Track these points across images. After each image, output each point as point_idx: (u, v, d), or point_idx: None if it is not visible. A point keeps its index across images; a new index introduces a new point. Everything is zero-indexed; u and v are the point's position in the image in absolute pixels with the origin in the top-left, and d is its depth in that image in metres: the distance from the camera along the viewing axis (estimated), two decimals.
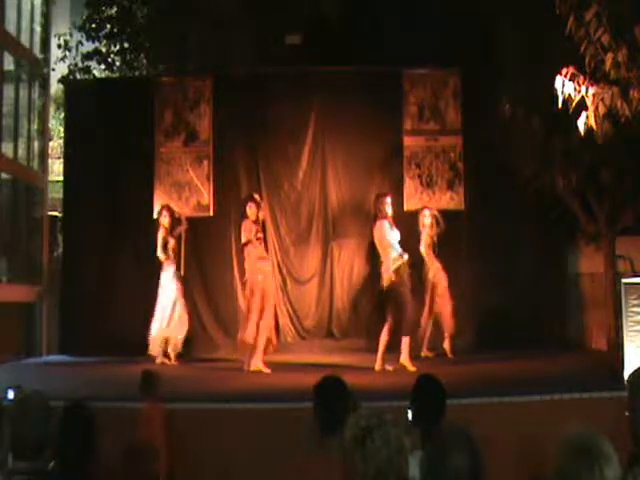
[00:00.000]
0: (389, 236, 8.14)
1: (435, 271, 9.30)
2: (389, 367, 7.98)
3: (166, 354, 9.17)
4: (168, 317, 9.17)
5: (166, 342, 9.20)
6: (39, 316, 11.77)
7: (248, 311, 8.33)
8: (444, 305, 9.25)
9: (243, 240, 8.46)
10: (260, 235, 8.54)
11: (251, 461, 5.25)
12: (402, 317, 7.97)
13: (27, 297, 11.59)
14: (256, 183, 10.59)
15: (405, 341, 7.98)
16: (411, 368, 7.82)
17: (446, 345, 9.24)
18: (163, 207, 9.68)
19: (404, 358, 7.95)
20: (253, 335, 8.20)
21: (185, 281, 9.78)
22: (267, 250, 9.55)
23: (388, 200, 8.34)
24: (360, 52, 10.79)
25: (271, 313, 8.48)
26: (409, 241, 9.16)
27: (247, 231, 8.41)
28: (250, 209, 8.47)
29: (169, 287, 9.25)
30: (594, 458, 2.18)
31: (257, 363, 8.17)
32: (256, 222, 8.48)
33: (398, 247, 8.16)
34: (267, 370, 8.13)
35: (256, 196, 8.87)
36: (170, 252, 9.33)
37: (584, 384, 6.31)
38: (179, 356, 9.26)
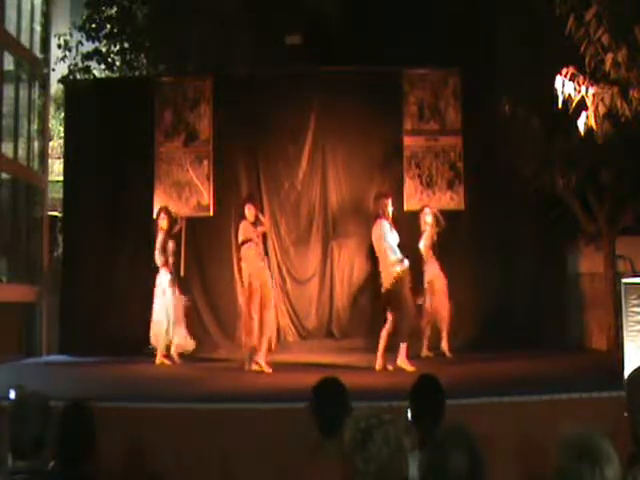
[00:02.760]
0: (388, 237, 8.13)
1: (433, 271, 9.31)
2: (390, 367, 7.98)
3: (167, 355, 9.16)
4: (168, 320, 9.14)
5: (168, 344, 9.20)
6: (39, 316, 11.76)
7: (248, 313, 8.33)
8: (442, 305, 9.26)
9: (240, 240, 8.45)
10: (258, 239, 8.51)
11: (250, 461, 5.25)
12: (402, 319, 7.97)
13: (27, 297, 11.57)
14: (256, 183, 10.59)
15: (403, 344, 7.99)
16: (409, 369, 7.81)
17: (444, 345, 9.24)
18: (161, 209, 9.62)
19: (401, 360, 7.95)
20: (256, 336, 8.21)
21: (185, 281, 9.78)
22: (266, 252, 9.57)
23: (389, 201, 8.35)
24: (360, 52, 10.78)
25: (272, 313, 8.49)
26: (409, 242, 9.17)
27: (245, 232, 8.41)
28: (249, 210, 8.46)
29: (168, 292, 9.20)
30: (594, 458, 2.18)
31: (260, 363, 8.18)
32: (254, 223, 8.47)
33: (398, 250, 8.13)
34: (268, 370, 8.13)
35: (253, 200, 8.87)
36: (169, 255, 9.28)
37: (584, 384, 6.30)
38: (181, 355, 9.26)
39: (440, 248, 9.48)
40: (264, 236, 9.14)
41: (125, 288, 10.09)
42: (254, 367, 8.15)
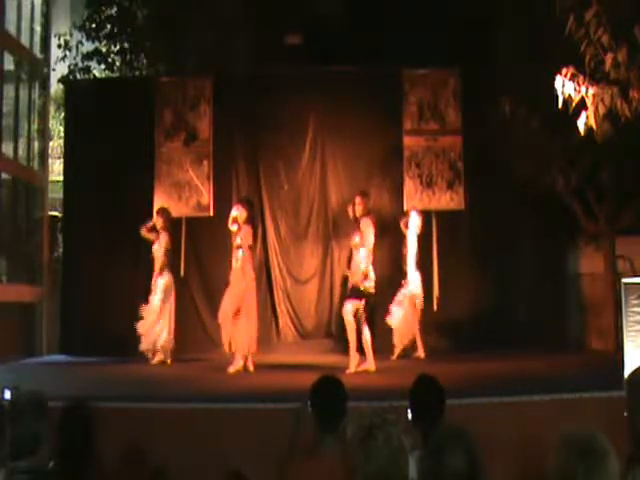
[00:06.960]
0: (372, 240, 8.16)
1: (416, 276, 9.26)
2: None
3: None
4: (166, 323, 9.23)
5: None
6: (39, 316, 11.76)
7: (237, 313, 8.34)
8: (413, 313, 9.21)
9: (249, 243, 8.45)
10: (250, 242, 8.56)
11: (250, 461, 5.25)
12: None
13: (27, 297, 11.58)
14: (256, 183, 10.60)
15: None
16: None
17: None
18: (157, 211, 9.64)
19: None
20: (244, 336, 8.25)
21: (185, 281, 9.77)
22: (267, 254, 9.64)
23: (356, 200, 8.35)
24: (360, 52, 10.78)
25: (255, 315, 8.50)
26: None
27: (250, 237, 8.44)
28: (242, 213, 8.47)
29: (170, 294, 9.27)
30: (594, 458, 2.18)
31: (248, 364, 8.26)
32: (248, 224, 8.49)
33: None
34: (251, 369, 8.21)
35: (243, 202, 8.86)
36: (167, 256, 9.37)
37: (584, 384, 6.30)
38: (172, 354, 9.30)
39: (440, 248, 9.44)
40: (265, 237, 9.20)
41: (125, 288, 10.08)
42: (235, 368, 8.19)
